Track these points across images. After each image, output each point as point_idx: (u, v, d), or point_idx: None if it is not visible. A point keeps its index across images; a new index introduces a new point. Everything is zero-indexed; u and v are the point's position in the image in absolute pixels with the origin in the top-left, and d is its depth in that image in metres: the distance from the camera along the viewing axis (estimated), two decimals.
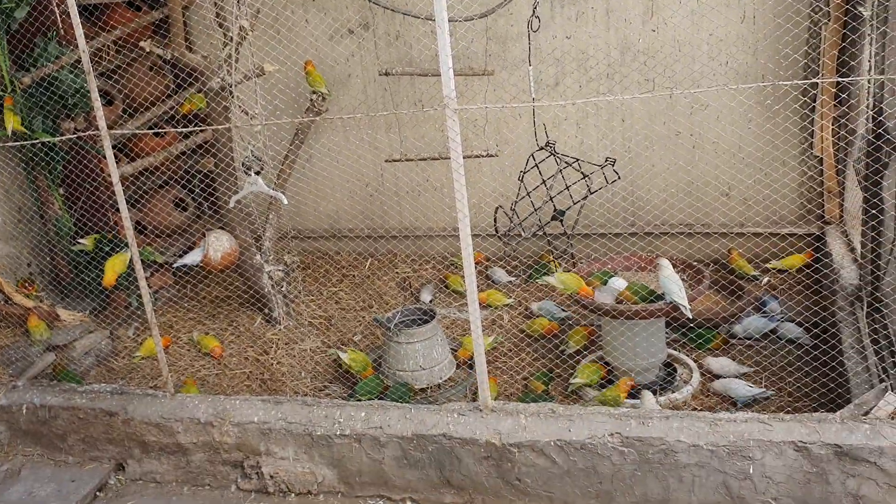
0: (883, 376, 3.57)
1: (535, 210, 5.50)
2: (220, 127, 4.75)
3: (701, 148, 5.58)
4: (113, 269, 5.10)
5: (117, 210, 4.88)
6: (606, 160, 5.35)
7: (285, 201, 4.76)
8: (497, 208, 5.70)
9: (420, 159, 5.84)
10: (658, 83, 5.48)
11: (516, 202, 5.54)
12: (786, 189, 5.41)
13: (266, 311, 5.56)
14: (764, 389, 4.13)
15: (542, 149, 5.40)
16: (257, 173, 4.63)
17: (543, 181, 5.47)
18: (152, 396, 4.42)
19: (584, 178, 5.30)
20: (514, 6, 5.45)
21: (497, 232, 5.68)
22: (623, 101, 5.60)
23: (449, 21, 4.64)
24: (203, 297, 6.10)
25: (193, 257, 5.26)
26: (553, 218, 5.49)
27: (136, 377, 5.12)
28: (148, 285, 4.47)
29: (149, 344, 5.23)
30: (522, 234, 5.58)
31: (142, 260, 5.68)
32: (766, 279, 5.37)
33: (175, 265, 5.44)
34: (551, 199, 5.46)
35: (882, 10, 3.81)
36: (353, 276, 6.23)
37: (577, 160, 5.34)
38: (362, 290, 5.99)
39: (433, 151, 5.91)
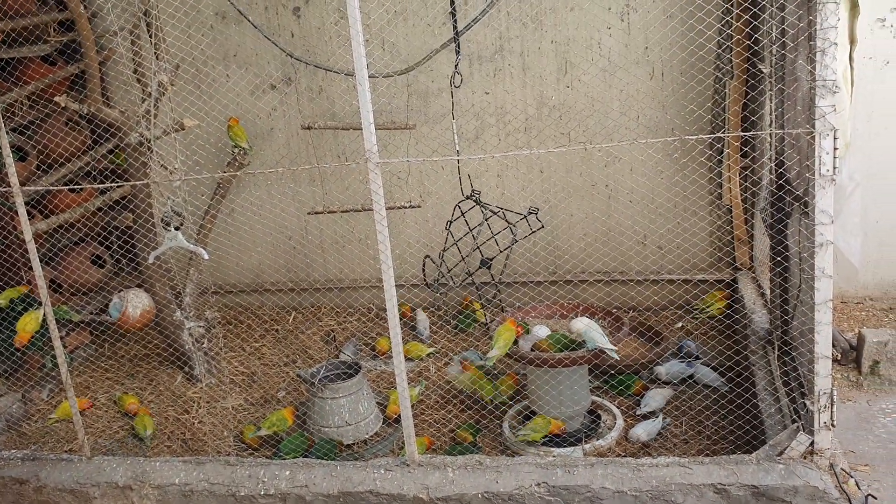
0: (795, 417, 3.68)
1: (463, 259, 5.56)
2: (138, 182, 4.65)
3: (616, 199, 5.73)
4: (25, 328, 4.88)
5: (30, 268, 4.70)
6: (530, 210, 5.46)
7: (206, 256, 4.66)
8: (425, 257, 5.72)
9: (343, 211, 5.82)
10: (573, 137, 5.63)
11: (444, 251, 5.58)
12: (697, 238, 5.58)
13: (187, 368, 5.40)
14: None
15: (467, 198, 5.47)
16: (177, 228, 4.53)
17: (470, 230, 5.55)
18: (67, 461, 4.22)
19: (509, 226, 5.39)
20: (435, 63, 5.54)
21: (426, 281, 5.69)
22: (541, 153, 5.72)
23: (371, 77, 4.68)
24: (121, 355, 5.89)
25: (113, 313, 5.11)
26: (481, 265, 5.56)
27: (50, 441, 4.89)
28: (64, 345, 4.30)
29: (64, 406, 5.00)
30: (451, 282, 5.62)
31: (57, 319, 5.47)
32: (679, 324, 5.51)
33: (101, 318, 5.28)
34: (478, 247, 5.53)
35: (779, 69, 4.01)
36: (277, 330, 6.12)
37: (502, 209, 5.43)
38: (286, 344, 5.88)
39: (356, 203, 5.90)
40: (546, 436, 4.21)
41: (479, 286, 5.79)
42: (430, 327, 5.80)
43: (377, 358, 5.53)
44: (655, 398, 4.57)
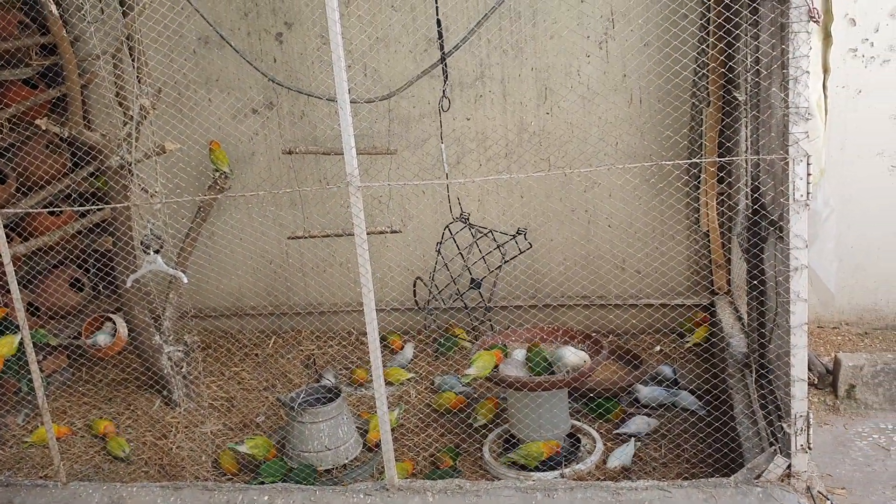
0: (772, 440, 3.70)
1: (454, 280, 5.59)
2: (118, 205, 4.63)
3: (595, 223, 5.77)
4: (0, 352, 4.83)
5: (8, 291, 4.65)
6: (518, 230, 5.50)
7: (185, 280, 4.64)
8: (416, 279, 5.74)
9: (324, 236, 5.82)
10: (553, 162, 5.68)
11: (434, 273, 5.60)
12: (675, 262, 5.62)
13: (165, 393, 5.35)
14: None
15: (456, 220, 5.51)
16: (157, 252, 4.52)
17: (459, 251, 5.58)
18: (42, 486, 4.15)
19: (497, 247, 5.43)
20: (416, 89, 5.58)
21: (416, 303, 5.70)
22: (521, 179, 5.76)
23: (353, 102, 4.71)
24: (99, 380, 5.83)
25: (105, 338, 5.08)
26: (471, 286, 5.58)
27: (24, 467, 4.81)
28: (41, 369, 4.25)
29: (41, 431, 4.93)
30: (442, 304, 5.65)
31: (34, 342, 5.41)
32: (657, 347, 5.53)
33: (89, 341, 5.23)
34: (468, 268, 5.56)
35: (754, 96, 4.08)
36: (257, 355, 6.09)
37: (491, 231, 5.47)
38: (265, 369, 5.85)
39: (337, 228, 5.90)
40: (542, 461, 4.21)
41: (469, 308, 5.81)
42: (413, 352, 5.79)
43: (356, 385, 5.50)
44: (637, 423, 4.59)
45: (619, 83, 5.52)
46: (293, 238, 5.88)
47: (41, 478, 4.51)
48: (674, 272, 5.66)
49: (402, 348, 5.84)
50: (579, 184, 5.72)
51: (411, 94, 5.67)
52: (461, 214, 5.51)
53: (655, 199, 5.54)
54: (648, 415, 4.73)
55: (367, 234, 3.62)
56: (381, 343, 5.75)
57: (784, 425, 3.48)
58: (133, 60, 4.76)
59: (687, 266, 5.75)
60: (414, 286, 5.73)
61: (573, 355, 4.21)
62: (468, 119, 5.77)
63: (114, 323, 5.22)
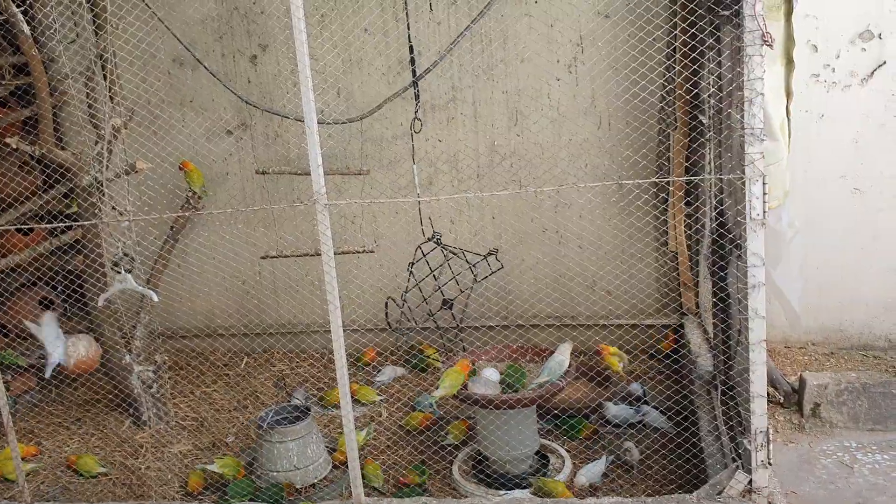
0: (734, 456, 3.75)
1: (425, 300, 5.62)
2: (87, 223, 4.64)
3: (566, 244, 5.84)
4: None
5: None
6: (490, 251, 5.55)
7: (156, 298, 4.65)
8: (388, 299, 5.76)
9: (297, 255, 5.84)
10: (524, 183, 5.75)
11: (406, 292, 5.63)
12: (644, 283, 5.69)
13: (135, 413, 5.33)
14: None
15: (429, 240, 5.55)
16: (128, 271, 4.53)
17: (431, 271, 5.62)
18: None
19: (469, 267, 5.48)
20: (389, 111, 5.65)
21: (388, 323, 5.73)
22: (493, 199, 5.83)
23: (325, 123, 4.78)
24: (69, 400, 5.79)
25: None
26: (443, 306, 5.62)
27: None
28: (8, 388, 4.23)
29: (6, 452, 4.89)
30: (414, 324, 5.68)
31: (3, 362, 5.39)
32: (621, 364, 5.56)
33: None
34: (440, 288, 5.60)
35: (717, 119, 4.18)
36: (228, 375, 6.08)
37: (463, 251, 5.53)
38: (237, 389, 5.84)
39: (310, 247, 5.94)
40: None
41: (441, 328, 5.84)
42: (393, 374, 5.80)
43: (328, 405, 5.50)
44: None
45: (588, 106, 5.62)
46: (266, 258, 5.91)
47: (6, 499, 4.46)
48: (643, 293, 5.73)
49: (373, 359, 5.89)
50: (549, 205, 5.80)
51: (384, 115, 5.74)
52: (433, 234, 5.57)
53: (624, 221, 5.62)
54: (618, 435, 4.78)
55: (340, 253, 3.67)
56: (359, 364, 5.85)
57: (745, 441, 3.54)
58: (105, 80, 4.79)
59: (656, 287, 5.82)
60: (386, 307, 5.77)
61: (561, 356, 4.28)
62: (440, 141, 5.85)
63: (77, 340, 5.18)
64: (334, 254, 3.73)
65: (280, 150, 6.06)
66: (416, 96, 5.34)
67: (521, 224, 5.87)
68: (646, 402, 5.05)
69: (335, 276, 3.57)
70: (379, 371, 5.81)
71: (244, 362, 6.26)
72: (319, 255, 5.77)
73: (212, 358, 6.34)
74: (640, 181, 3.89)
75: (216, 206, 6.15)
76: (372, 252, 5.86)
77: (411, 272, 5.61)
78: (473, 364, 4.43)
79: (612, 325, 5.83)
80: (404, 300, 5.65)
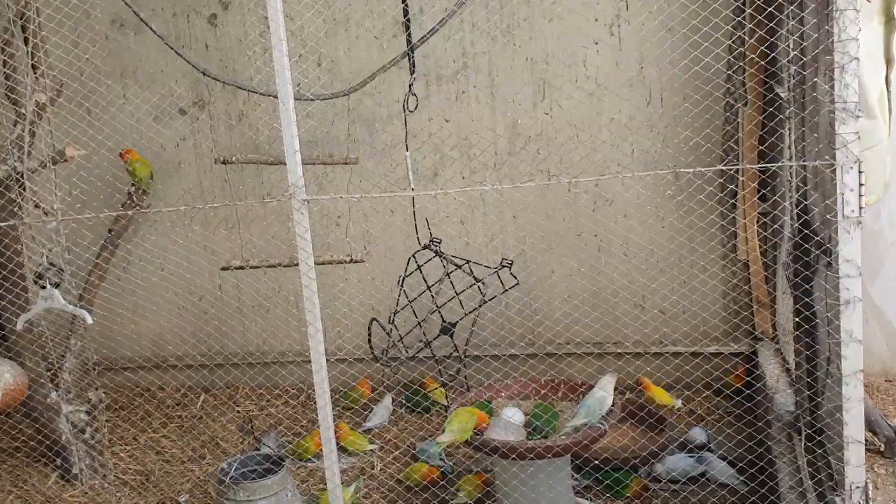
0: None
1: (420, 324, 5.54)
2: (4, 224, 4.65)
3: (608, 251, 5.83)
4: None
5: None
6: (503, 263, 5.50)
7: (90, 320, 4.66)
8: (371, 320, 5.72)
9: (268, 265, 5.83)
10: (553, 173, 5.74)
11: (395, 314, 5.53)
12: (706, 300, 5.66)
13: (64, 465, 5.34)
14: None
15: (424, 248, 5.48)
16: (56, 285, 4.54)
17: (428, 287, 5.54)
18: None
19: (476, 283, 5.41)
20: (383, 84, 5.65)
21: (372, 352, 5.68)
22: (514, 194, 5.82)
23: (304, 100, 4.77)
24: None
25: None
26: (441, 332, 5.52)
27: None
28: None
29: None
30: (403, 354, 5.61)
31: None
32: (678, 403, 5.53)
33: None
34: (438, 309, 5.51)
35: (799, 92, 4.15)
36: (181, 416, 6.09)
37: (468, 262, 5.46)
38: (192, 434, 5.85)
39: (285, 256, 5.92)
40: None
41: (438, 359, 5.80)
42: (389, 416, 5.82)
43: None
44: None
45: (635, 77, 5.61)
46: (228, 269, 5.89)
47: None
48: (706, 312, 5.69)
49: (367, 395, 5.92)
50: (586, 200, 5.78)
51: (377, 89, 5.74)
52: (431, 241, 5.50)
53: (681, 221, 5.59)
54: (675, 493, 4.76)
55: (322, 263, 3.66)
56: (347, 400, 5.84)
57: (837, 499, 3.51)
58: (27, 45, 4.80)
59: (723, 305, 5.80)
60: (369, 330, 5.67)
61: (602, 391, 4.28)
62: (448, 121, 5.84)
63: None
64: (315, 263, 3.73)
65: (246, 134, 6.07)
66: (412, 64, 5.30)
67: (551, 225, 5.86)
68: (710, 451, 5.03)
69: (316, 292, 3.57)
70: (370, 411, 5.80)
71: (201, 400, 6.27)
72: (296, 265, 5.76)
73: (161, 395, 6.35)
74: (701, 170, 3.84)
75: (166, 204, 6.15)
76: (362, 261, 5.84)
77: (402, 287, 5.55)
78: (488, 407, 4.42)
79: (666, 354, 5.81)
80: (392, 323, 5.56)
